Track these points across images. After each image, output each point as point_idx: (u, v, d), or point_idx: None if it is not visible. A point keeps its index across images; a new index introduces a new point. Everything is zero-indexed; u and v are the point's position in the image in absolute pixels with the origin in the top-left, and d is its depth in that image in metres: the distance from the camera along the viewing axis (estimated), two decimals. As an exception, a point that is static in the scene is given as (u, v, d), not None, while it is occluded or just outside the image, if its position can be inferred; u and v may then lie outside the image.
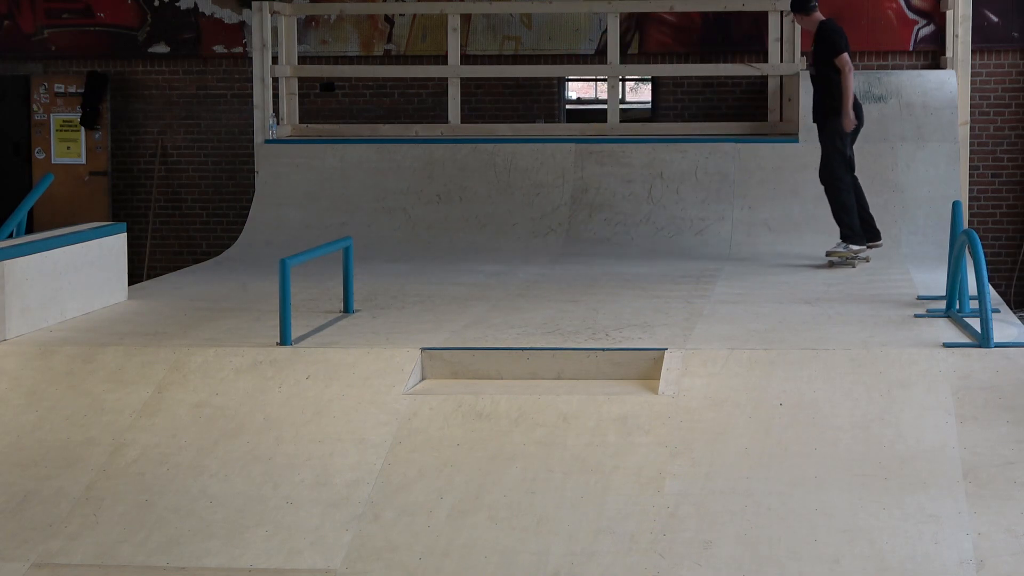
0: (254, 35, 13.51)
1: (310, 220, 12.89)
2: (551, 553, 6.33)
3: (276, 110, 13.65)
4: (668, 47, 14.37)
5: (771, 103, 13.69)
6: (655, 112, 14.83)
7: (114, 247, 9.65)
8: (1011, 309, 11.05)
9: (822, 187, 11.38)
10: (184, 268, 12.53)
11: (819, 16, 11.35)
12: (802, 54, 13.52)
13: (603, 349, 7.88)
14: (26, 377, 7.83)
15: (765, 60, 13.58)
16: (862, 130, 11.39)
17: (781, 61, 13.46)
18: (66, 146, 14.95)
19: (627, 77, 21.01)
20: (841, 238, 11.30)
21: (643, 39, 14.39)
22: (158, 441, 7.23)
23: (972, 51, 13.28)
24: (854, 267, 11.14)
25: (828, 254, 11.27)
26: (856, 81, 13.03)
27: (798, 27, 13.41)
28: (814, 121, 11.45)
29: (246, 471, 6.96)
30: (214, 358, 7.87)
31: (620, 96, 18.12)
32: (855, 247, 11.21)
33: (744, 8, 13.62)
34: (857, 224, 11.26)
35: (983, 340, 7.62)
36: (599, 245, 12.35)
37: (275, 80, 13.65)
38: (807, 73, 13.11)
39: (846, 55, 11.13)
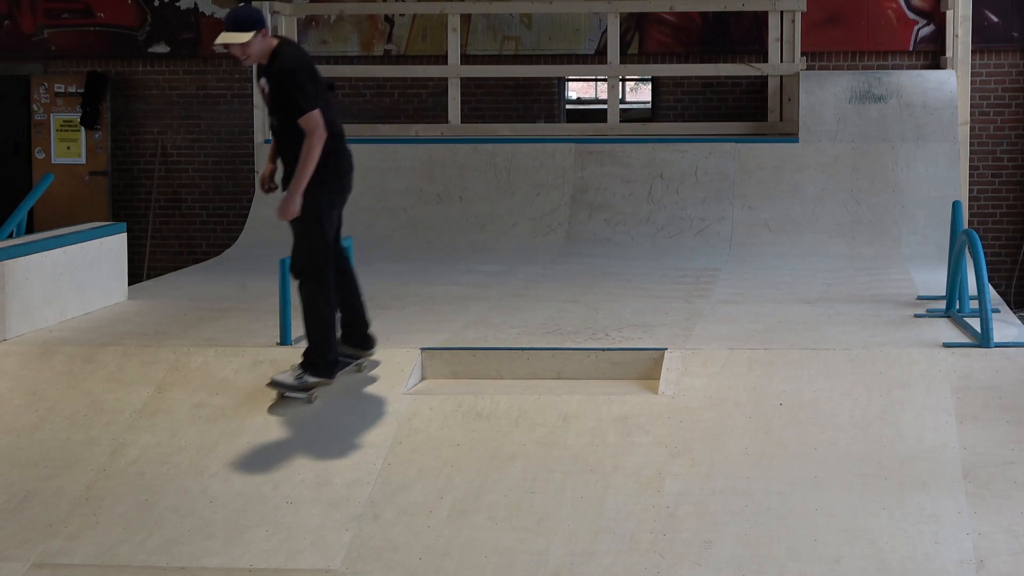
0: (254, 35, 13.50)
1: (310, 220, 12.86)
2: (551, 553, 6.33)
3: (276, 110, 13.63)
4: (668, 47, 14.37)
5: (771, 103, 13.68)
6: (655, 112, 14.82)
7: (114, 247, 9.65)
8: (1011, 309, 11.05)
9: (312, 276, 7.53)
10: (184, 268, 12.52)
11: (271, 40, 7.35)
12: (802, 54, 13.52)
13: (603, 349, 7.88)
14: (26, 377, 7.83)
15: (765, 60, 13.58)
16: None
17: (781, 61, 13.45)
18: (66, 146, 14.94)
19: (627, 77, 20.99)
20: (302, 362, 7.49)
21: (643, 39, 14.38)
22: (158, 441, 7.23)
23: (972, 51, 13.27)
24: (311, 402, 7.50)
25: (274, 384, 7.43)
26: (856, 81, 13.04)
27: (798, 27, 13.40)
28: (284, 189, 7.46)
29: (246, 471, 6.96)
30: (214, 358, 7.87)
31: (620, 96, 18.11)
32: (313, 379, 7.46)
33: (744, 8, 13.61)
34: (334, 347, 7.54)
35: (983, 340, 7.62)
36: (599, 245, 12.33)
37: (275, 80, 13.63)
38: (807, 74, 13.12)
39: (316, 113, 7.21)
